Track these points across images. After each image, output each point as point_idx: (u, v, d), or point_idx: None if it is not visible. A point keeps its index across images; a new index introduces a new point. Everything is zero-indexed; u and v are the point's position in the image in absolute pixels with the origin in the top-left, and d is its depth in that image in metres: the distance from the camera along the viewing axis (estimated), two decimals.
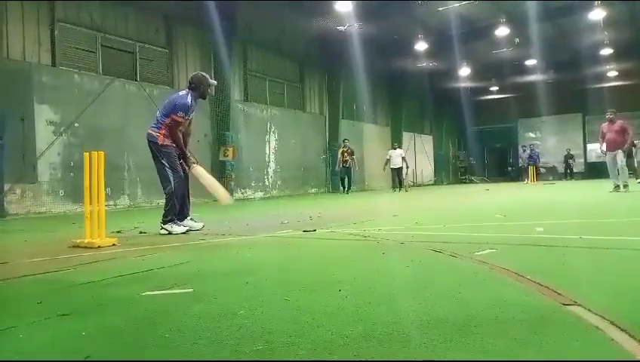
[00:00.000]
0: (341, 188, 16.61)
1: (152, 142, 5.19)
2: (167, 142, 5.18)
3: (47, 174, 10.17)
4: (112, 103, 11.40)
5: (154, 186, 11.71)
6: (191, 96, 5.29)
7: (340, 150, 16.46)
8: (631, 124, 12.34)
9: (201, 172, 5.39)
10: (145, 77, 12.58)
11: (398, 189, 17.03)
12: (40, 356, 1.60)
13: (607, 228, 4.64)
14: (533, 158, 22.91)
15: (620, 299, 2.04)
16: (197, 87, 5.35)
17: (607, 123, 11.00)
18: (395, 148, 17.57)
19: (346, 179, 16.30)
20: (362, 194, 17.12)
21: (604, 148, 10.93)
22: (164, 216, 5.16)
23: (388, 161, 17.29)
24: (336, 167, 16.55)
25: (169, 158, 5.17)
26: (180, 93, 5.36)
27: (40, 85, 10.11)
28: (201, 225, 5.36)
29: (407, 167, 17.81)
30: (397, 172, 17.32)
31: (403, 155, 17.30)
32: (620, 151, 10.73)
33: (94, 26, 11.47)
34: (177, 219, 5.23)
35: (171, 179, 5.15)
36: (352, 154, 16.30)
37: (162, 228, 5.13)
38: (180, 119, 5.18)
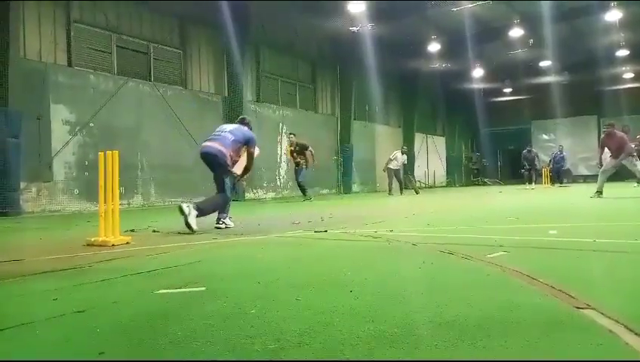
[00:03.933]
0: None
1: (219, 158, 5.49)
2: (235, 168, 5.66)
3: (63, 173, 10.31)
4: (127, 103, 11.52)
5: (167, 186, 11.89)
6: None
7: (287, 147, 13.39)
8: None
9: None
10: (159, 77, 12.70)
11: (400, 191, 15.57)
12: (55, 352, 1.63)
13: (622, 231, 4.59)
14: (558, 162, 20.47)
15: (635, 302, 2.02)
16: (249, 127, 5.94)
17: (605, 136, 10.61)
18: (402, 153, 15.89)
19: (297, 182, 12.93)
20: (374, 195, 17.07)
21: (605, 156, 10.43)
22: (221, 213, 5.63)
23: (390, 160, 15.66)
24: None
25: (230, 178, 5.66)
26: (245, 129, 5.82)
27: (56, 85, 10.25)
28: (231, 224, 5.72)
29: (403, 174, 16.32)
30: (394, 173, 15.64)
31: (405, 162, 16.05)
32: (631, 157, 10.44)
33: (109, 26, 11.62)
34: (221, 217, 5.65)
35: (228, 193, 5.64)
36: (302, 151, 12.57)
37: (222, 222, 5.58)
38: (255, 152, 5.83)
